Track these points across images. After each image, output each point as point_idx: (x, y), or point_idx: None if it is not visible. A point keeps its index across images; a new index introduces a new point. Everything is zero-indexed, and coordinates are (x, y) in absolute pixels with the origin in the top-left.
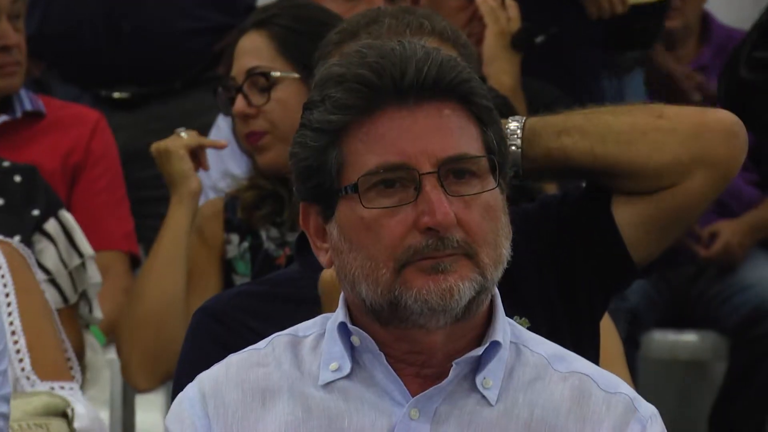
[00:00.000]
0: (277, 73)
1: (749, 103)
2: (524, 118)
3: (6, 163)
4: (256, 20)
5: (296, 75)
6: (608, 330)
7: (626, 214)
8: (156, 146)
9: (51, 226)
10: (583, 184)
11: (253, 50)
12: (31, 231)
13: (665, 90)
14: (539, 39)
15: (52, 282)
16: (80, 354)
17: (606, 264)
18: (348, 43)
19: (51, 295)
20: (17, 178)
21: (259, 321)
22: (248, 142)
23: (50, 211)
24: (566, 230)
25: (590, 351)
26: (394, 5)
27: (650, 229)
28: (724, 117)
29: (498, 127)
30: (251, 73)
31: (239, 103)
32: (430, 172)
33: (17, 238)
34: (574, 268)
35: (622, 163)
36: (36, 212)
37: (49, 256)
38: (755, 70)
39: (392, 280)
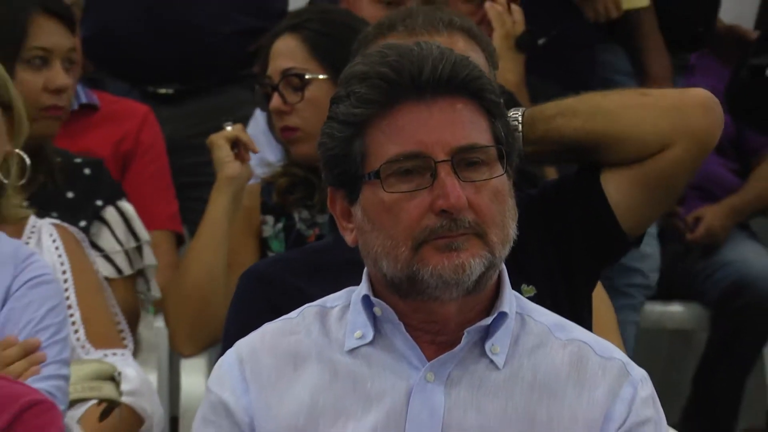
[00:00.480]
0: (310, 75)
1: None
2: (524, 108)
3: (78, 159)
4: (290, 24)
5: (326, 76)
6: (602, 300)
7: (615, 185)
8: (208, 138)
9: (110, 213)
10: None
11: (287, 52)
12: (91, 218)
13: None
14: (541, 41)
15: (107, 257)
16: (135, 321)
17: (599, 236)
18: (385, 35)
19: (105, 267)
20: (86, 171)
21: (301, 280)
22: (283, 136)
23: (111, 201)
24: (563, 209)
25: (586, 318)
26: (427, 4)
27: (638, 198)
28: (700, 93)
29: (505, 119)
30: (286, 74)
31: (275, 100)
32: (444, 160)
33: (82, 224)
34: (572, 244)
35: (610, 135)
36: (99, 202)
37: (106, 238)
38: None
39: (410, 257)
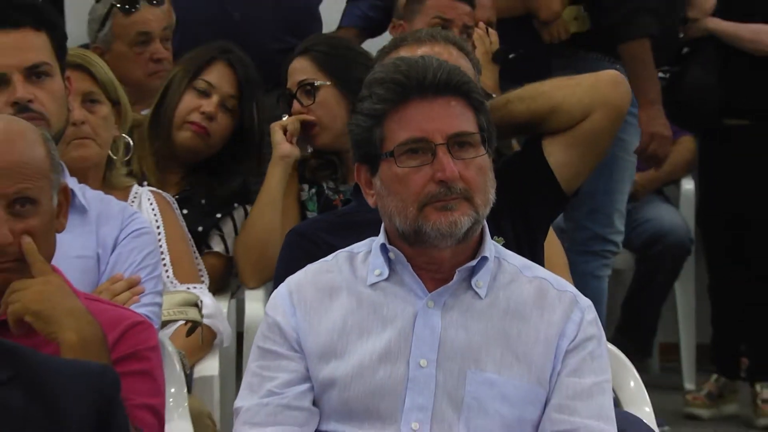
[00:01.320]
0: (319, 83)
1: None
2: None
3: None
4: (302, 48)
5: (330, 83)
6: (556, 245)
7: (554, 149)
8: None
9: (225, 223)
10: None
11: (300, 69)
12: (209, 228)
13: None
14: (511, 56)
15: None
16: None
17: (544, 194)
18: (399, 46)
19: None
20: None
21: (332, 236)
22: (304, 132)
23: (228, 213)
24: (518, 176)
25: (540, 260)
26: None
27: (571, 157)
28: (611, 72)
29: (487, 113)
30: (301, 84)
31: (295, 105)
32: (441, 143)
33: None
34: (527, 203)
35: (547, 110)
36: (218, 215)
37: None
38: None
39: (416, 215)
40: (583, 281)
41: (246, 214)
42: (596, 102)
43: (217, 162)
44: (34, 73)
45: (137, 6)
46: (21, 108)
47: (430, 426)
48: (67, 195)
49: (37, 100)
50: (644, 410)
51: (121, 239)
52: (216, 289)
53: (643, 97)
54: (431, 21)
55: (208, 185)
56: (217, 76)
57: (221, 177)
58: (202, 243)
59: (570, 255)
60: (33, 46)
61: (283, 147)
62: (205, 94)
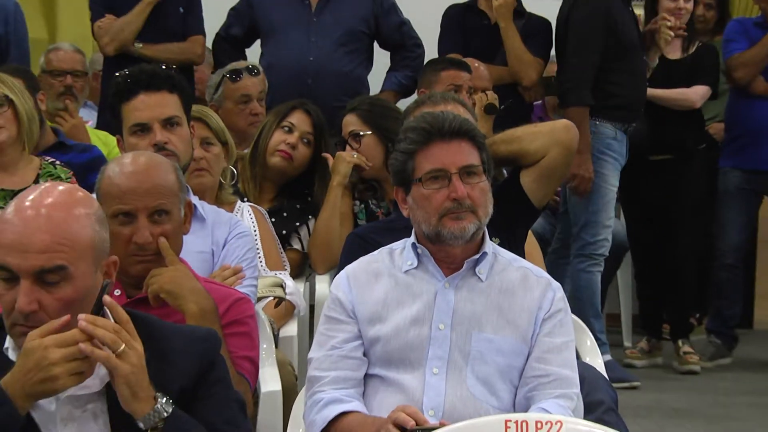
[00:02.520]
0: (363, 132)
1: None
2: None
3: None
4: (350, 107)
5: (371, 132)
6: (534, 245)
7: (527, 178)
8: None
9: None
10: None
11: (349, 123)
12: (291, 232)
13: None
14: (502, 106)
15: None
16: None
17: (522, 209)
18: (420, 106)
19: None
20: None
21: (378, 237)
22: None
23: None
24: (505, 197)
25: (521, 254)
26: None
27: (538, 184)
28: (563, 121)
29: (487, 151)
30: (350, 134)
31: (347, 149)
32: (455, 173)
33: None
34: (512, 215)
35: (517, 150)
36: (297, 224)
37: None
38: None
39: (437, 223)
40: (577, 275)
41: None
42: (552, 143)
43: (296, 186)
44: (169, 123)
45: (241, 76)
46: (159, 148)
47: (446, 371)
48: (190, 208)
49: (170, 143)
50: (597, 362)
51: (228, 240)
52: (295, 275)
53: (579, 145)
54: (446, 87)
55: (291, 204)
56: (298, 119)
57: (299, 198)
58: (285, 242)
59: (571, 258)
60: (168, 103)
61: (345, 172)
62: (289, 131)
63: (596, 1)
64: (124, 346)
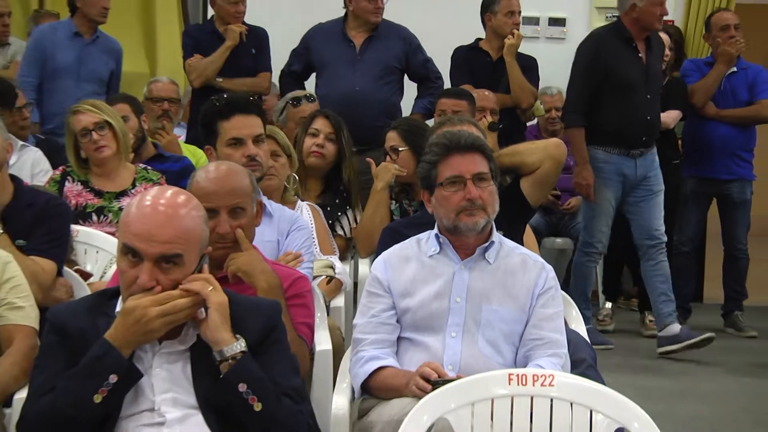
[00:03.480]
0: (401, 148)
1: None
2: None
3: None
4: (392, 126)
5: (407, 147)
6: (531, 236)
7: (525, 184)
8: (381, 164)
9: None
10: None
11: (391, 138)
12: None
13: None
14: (500, 126)
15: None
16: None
17: (521, 208)
18: (442, 126)
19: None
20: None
21: (408, 230)
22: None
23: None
24: (508, 197)
25: (521, 243)
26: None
27: (534, 189)
28: (555, 140)
29: (494, 161)
30: (392, 148)
31: (388, 160)
32: (469, 178)
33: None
34: (513, 212)
35: (518, 162)
36: (339, 213)
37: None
38: None
39: (454, 218)
40: (577, 268)
41: (353, 213)
42: (546, 157)
43: (333, 184)
44: (258, 140)
45: (300, 102)
46: (251, 159)
47: (461, 335)
48: (261, 206)
49: (259, 155)
50: (580, 328)
51: (290, 231)
52: (342, 258)
53: (576, 159)
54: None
55: (332, 199)
56: (320, 123)
57: (337, 194)
58: (332, 230)
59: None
60: (258, 124)
61: (387, 180)
62: (315, 134)
63: (586, 47)
64: (212, 287)
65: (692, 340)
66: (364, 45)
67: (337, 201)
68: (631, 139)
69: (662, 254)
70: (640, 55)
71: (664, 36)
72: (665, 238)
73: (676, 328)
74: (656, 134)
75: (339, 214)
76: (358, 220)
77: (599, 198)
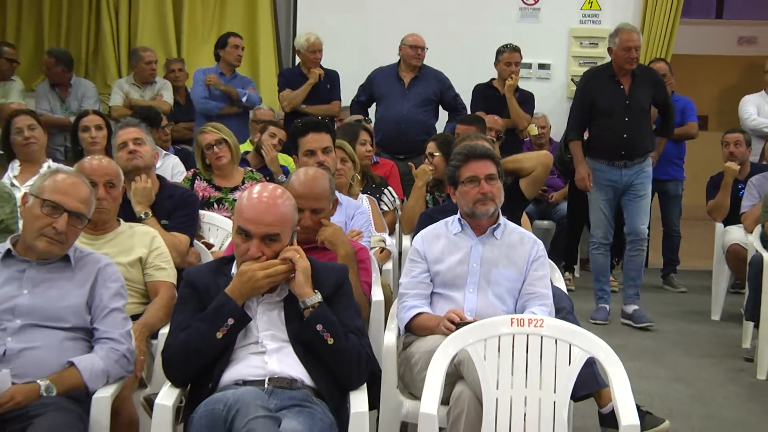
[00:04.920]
0: (436, 154)
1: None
2: None
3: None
4: (432, 138)
5: (440, 154)
6: (525, 219)
7: (523, 183)
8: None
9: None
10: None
11: (430, 147)
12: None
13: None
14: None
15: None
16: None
17: (519, 200)
18: (464, 140)
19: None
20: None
21: (438, 215)
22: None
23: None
24: (510, 192)
25: (519, 225)
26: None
27: (529, 186)
28: (545, 152)
29: (501, 166)
30: (430, 153)
31: (427, 162)
32: (482, 178)
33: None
34: (514, 202)
35: (518, 167)
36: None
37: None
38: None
39: (472, 207)
40: (590, 256)
41: (388, 191)
42: (538, 164)
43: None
44: (326, 151)
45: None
46: (320, 164)
47: (477, 290)
48: (336, 201)
49: (326, 162)
50: (561, 284)
51: (354, 215)
52: (391, 228)
53: (574, 162)
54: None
55: (369, 185)
56: (363, 136)
57: (370, 181)
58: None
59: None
60: (325, 139)
61: (425, 179)
62: (364, 143)
63: (580, 82)
64: (300, 256)
65: (643, 324)
66: (411, 83)
67: (373, 186)
68: (611, 153)
69: (641, 248)
70: (622, 87)
71: (661, 65)
72: (645, 235)
73: (631, 309)
74: (635, 150)
75: (378, 195)
76: (394, 195)
77: (592, 198)
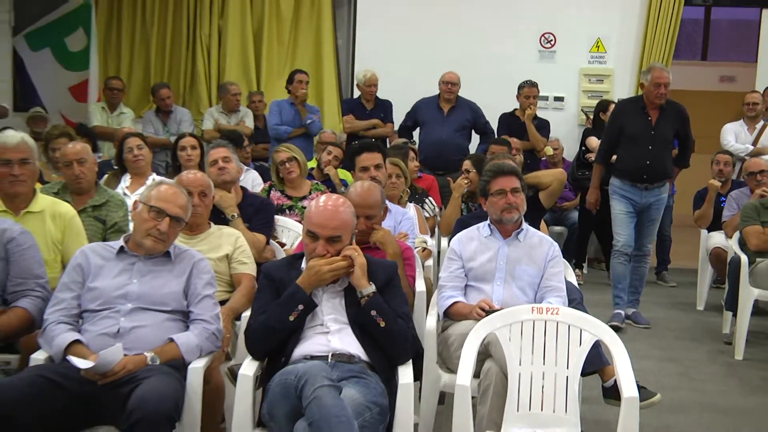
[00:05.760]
0: (471, 170)
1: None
2: None
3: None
4: (468, 157)
5: (475, 171)
6: (543, 225)
7: (542, 195)
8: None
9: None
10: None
11: (466, 164)
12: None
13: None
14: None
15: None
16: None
17: (538, 209)
18: (493, 159)
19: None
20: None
21: (472, 221)
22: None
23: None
24: (531, 202)
25: (538, 230)
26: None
27: (547, 198)
28: (560, 170)
29: (524, 181)
30: (465, 170)
31: (462, 177)
32: (509, 191)
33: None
34: (534, 211)
35: (537, 182)
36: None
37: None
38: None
39: (499, 214)
40: (611, 264)
41: (429, 200)
42: (554, 180)
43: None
44: (378, 167)
45: (408, 145)
46: (372, 178)
47: (503, 284)
48: (386, 208)
49: (377, 177)
50: (572, 280)
51: (402, 221)
52: (432, 232)
53: (591, 183)
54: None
55: (413, 196)
56: (411, 155)
57: (413, 191)
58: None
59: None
60: (378, 158)
61: (461, 191)
62: (414, 158)
63: (611, 112)
64: (358, 254)
65: (642, 325)
66: (449, 111)
67: (416, 196)
68: (635, 175)
69: (645, 261)
70: (649, 118)
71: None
72: (650, 252)
73: (631, 311)
74: (655, 175)
75: (421, 204)
76: (434, 204)
77: (615, 211)
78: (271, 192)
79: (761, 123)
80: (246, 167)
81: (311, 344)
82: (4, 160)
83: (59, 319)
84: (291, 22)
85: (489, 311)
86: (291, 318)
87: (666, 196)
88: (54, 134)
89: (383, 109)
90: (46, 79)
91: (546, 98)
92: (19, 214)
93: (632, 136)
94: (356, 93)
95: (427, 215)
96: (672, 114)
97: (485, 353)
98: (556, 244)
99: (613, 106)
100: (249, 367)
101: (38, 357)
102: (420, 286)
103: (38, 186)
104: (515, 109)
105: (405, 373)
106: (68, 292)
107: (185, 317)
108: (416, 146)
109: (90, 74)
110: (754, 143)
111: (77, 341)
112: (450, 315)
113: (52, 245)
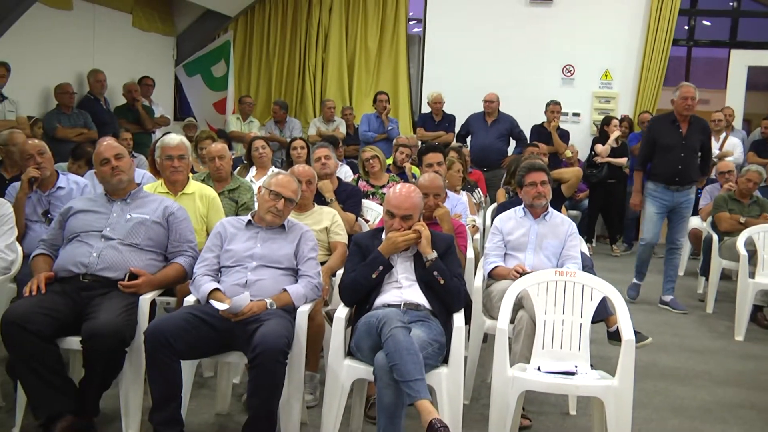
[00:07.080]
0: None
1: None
2: None
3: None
4: (508, 160)
5: (508, 177)
6: (564, 209)
7: (563, 187)
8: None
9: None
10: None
11: (504, 162)
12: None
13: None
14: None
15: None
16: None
17: (560, 197)
18: (526, 159)
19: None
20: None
21: (511, 206)
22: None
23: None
24: (555, 192)
25: (559, 212)
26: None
27: (567, 189)
28: (578, 168)
29: (550, 175)
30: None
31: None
32: (538, 183)
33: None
34: (557, 198)
35: (561, 177)
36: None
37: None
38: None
39: (531, 200)
40: (638, 252)
41: (477, 190)
42: (573, 176)
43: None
44: (439, 164)
45: (462, 148)
46: (435, 172)
47: (534, 252)
48: (446, 194)
49: (439, 171)
50: (585, 249)
51: (456, 204)
52: (478, 213)
53: (633, 189)
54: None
55: (466, 186)
56: (452, 154)
57: (468, 184)
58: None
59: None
60: (439, 157)
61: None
62: (452, 162)
63: (648, 124)
64: (424, 228)
65: (679, 311)
66: (492, 123)
67: (468, 185)
68: (668, 178)
69: (677, 254)
70: (680, 130)
71: (646, 116)
72: (681, 245)
73: (668, 298)
74: (686, 178)
75: (471, 192)
76: (480, 192)
77: (648, 211)
78: (359, 181)
79: (724, 134)
80: (341, 163)
81: (388, 295)
82: (167, 156)
83: (204, 273)
84: (375, 55)
85: (522, 273)
86: (373, 276)
87: (693, 197)
88: (202, 137)
89: (448, 120)
90: (196, 97)
91: (566, 114)
92: (177, 195)
93: (666, 146)
94: (424, 109)
95: (475, 201)
96: (698, 127)
97: (519, 305)
98: (573, 223)
99: (615, 120)
100: (342, 312)
101: (189, 299)
102: (470, 253)
103: (191, 175)
104: (543, 122)
105: (458, 319)
106: (210, 253)
107: (295, 273)
108: (468, 149)
109: (228, 93)
110: (720, 149)
111: (217, 289)
112: (492, 276)
113: (199, 218)
